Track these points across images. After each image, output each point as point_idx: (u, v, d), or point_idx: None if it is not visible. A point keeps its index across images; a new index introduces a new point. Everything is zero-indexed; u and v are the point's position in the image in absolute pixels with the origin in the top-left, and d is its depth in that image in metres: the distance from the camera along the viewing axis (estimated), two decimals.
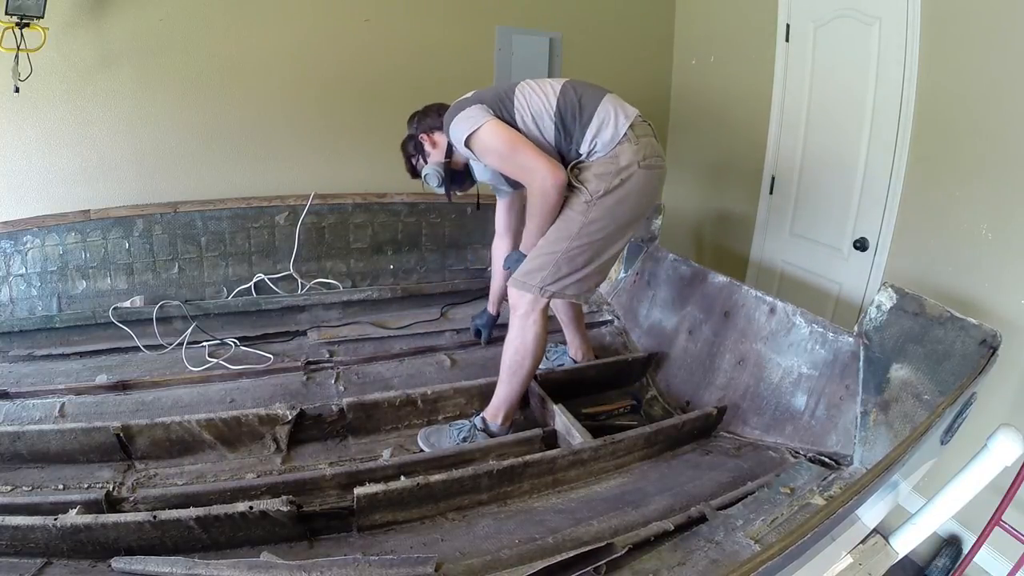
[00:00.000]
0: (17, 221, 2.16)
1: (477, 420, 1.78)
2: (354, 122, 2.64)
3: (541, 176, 1.61)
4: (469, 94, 1.76)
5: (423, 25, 2.66)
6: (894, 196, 2.19)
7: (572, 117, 1.65)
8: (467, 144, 1.67)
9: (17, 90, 1.96)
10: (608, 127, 1.64)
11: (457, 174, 1.91)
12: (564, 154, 1.70)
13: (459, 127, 1.66)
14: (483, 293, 2.71)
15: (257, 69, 2.43)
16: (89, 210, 2.23)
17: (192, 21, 2.30)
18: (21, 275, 2.19)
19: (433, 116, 1.90)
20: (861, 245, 2.34)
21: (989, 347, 1.35)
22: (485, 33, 2.81)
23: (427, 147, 1.90)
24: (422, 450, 1.75)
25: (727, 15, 2.93)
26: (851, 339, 1.63)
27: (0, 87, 1.99)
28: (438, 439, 1.76)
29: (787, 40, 2.60)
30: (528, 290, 1.70)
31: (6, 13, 1.87)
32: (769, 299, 1.91)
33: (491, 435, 1.74)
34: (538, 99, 1.68)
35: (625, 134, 1.63)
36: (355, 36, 2.56)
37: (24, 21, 1.91)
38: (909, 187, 2.14)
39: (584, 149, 1.66)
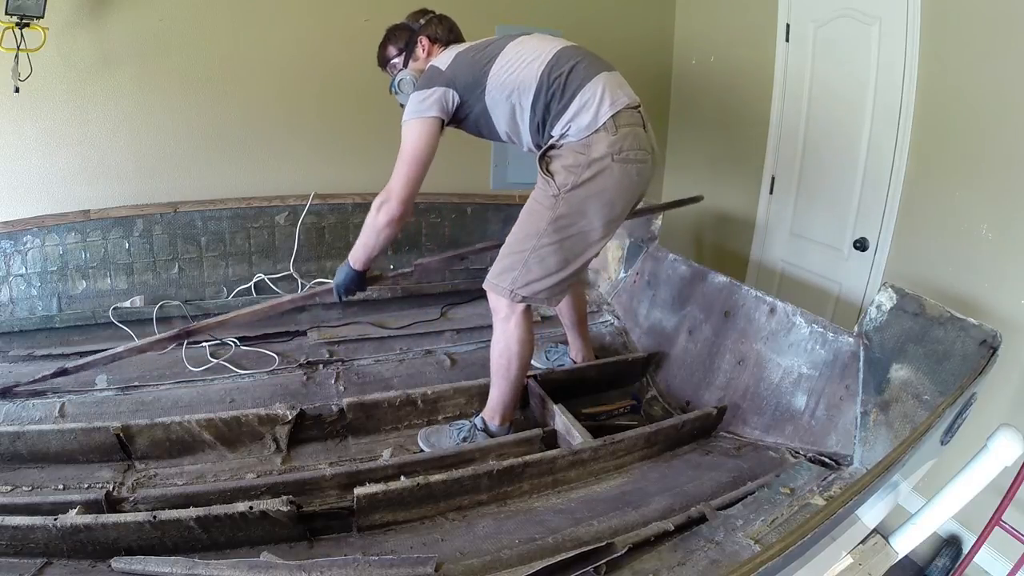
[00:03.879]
0: (17, 221, 2.16)
1: (477, 420, 1.78)
2: (354, 122, 2.64)
3: (391, 199, 1.64)
4: (449, 60, 1.64)
5: None
6: (894, 196, 2.19)
7: (552, 95, 1.53)
8: (403, 119, 1.64)
9: (17, 90, 1.96)
10: (587, 112, 1.50)
11: None
12: (535, 135, 1.62)
13: (413, 102, 1.61)
14: (483, 293, 2.71)
15: (257, 69, 2.43)
16: (89, 210, 2.23)
17: (192, 21, 2.30)
18: (21, 275, 2.19)
19: (445, 29, 1.79)
20: (861, 245, 2.33)
21: (989, 347, 1.35)
22: (485, 33, 2.76)
23: (419, 51, 1.77)
24: (422, 450, 1.75)
25: (727, 15, 2.93)
26: (851, 339, 1.63)
27: (0, 87, 1.99)
28: (438, 439, 1.76)
29: (787, 40, 2.60)
30: (501, 293, 1.63)
31: (6, 13, 1.87)
32: (769, 299, 1.91)
33: (491, 435, 1.74)
34: (519, 72, 1.57)
35: (604, 123, 1.50)
36: (355, 36, 2.56)
37: (24, 21, 1.91)
38: (909, 187, 2.14)
39: (556, 131, 1.55)
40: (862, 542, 1.40)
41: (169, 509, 1.25)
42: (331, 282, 1.85)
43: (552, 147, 1.58)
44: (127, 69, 2.25)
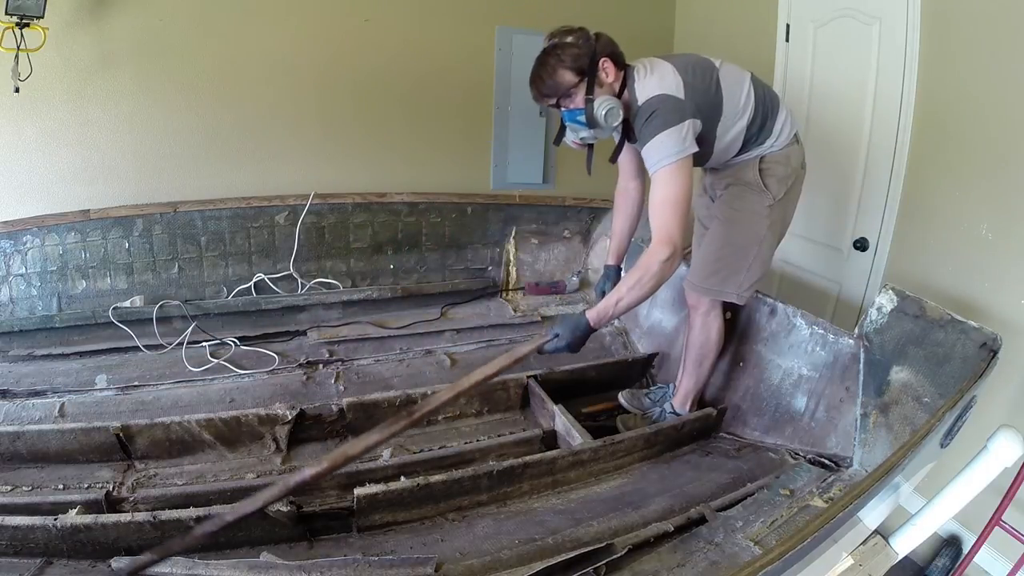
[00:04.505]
0: (17, 221, 2.16)
1: (667, 406, 1.92)
2: (354, 122, 2.64)
3: (676, 250, 1.46)
4: (675, 85, 1.51)
5: (423, 25, 2.66)
6: (894, 196, 2.19)
7: (766, 113, 1.66)
8: (656, 162, 1.49)
9: (17, 90, 1.96)
10: (787, 125, 1.68)
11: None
12: (736, 153, 1.69)
13: (670, 141, 1.47)
14: (483, 293, 2.72)
15: (257, 69, 2.43)
16: (89, 210, 2.23)
17: (192, 21, 2.29)
18: (21, 275, 2.18)
19: (610, 43, 1.59)
20: (861, 245, 2.33)
21: (990, 350, 1.35)
22: (485, 33, 2.80)
23: (603, 76, 1.55)
24: (623, 408, 1.94)
25: (727, 15, 2.93)
26: (851, 341, 1.63)
27: (0, 87, 1.99)
28: (639, 402, 1.97)
29: (787, 40, 2.60)
30: (722, 297, 1.76)
31: (6, 13, 1.87)
32: (769, 300, 1.91)
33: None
34: (742, 96, 1.62)
35: (795, 134, 1.71)
36: (355, 36, 2.56)
37: (24, 21, 1.90)
38: (909, 187, 2.14)
39: (768, 144, 1.68)
40: (863, 543, 1.40)
41: (169, 509, 1.26)
42: (548, 337, 1.55)
43: (762, 159, 1.69)
44: (127, 69, 2.24)
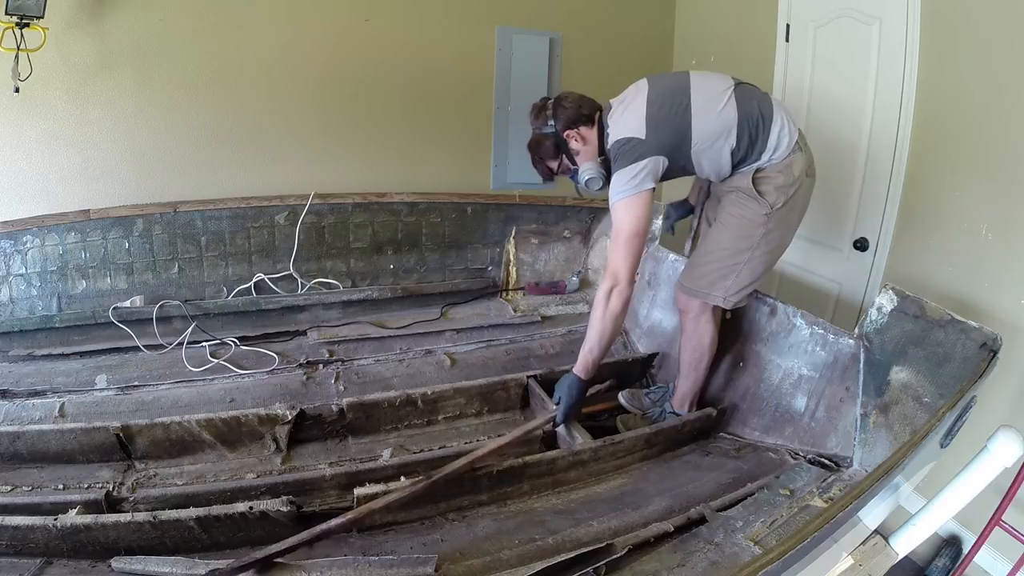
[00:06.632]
0: (17, 221, 2.16)
1: (667, 406, 1.94)
2: (354, 122, 2.64)
3: (621, 282, 1.62)
4: (639, 124, 1.61)
5: (423, 25, 2.66)
6: (894, 196, 2.19)
7: (756, 128, 1.63)
8: (611, 196, 1.64)
9: (17, 90, 1.96)
10: (785, 135, 1.65)
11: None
12: (733, 166, 1.69)
13: (622, 179, 1.61)
14: (483, 293, 2.72)
15: (257, 69, 2.43)
16: (89, 210, 2.23)
17: (192, 21, 2.29)
18: (21, 275, 2.18)
19: (574, 109, 1.73)
20: (861, 245, 2.33)
21: (990, 350, 1.35)
22: (485, 33, 2.80)
23: (574, 145, 1.74)
24: (623, 408, 1.95)
25: (727, 15, 2.93)
26: (851, 341, 1.63)
27: (0, 87, 1.99)
28: (640, 402, 1.97)
29: (787, 40, 2.60)
30: (709, 300, 1.76)
31: (6, 13, 1.87)
32: (770, 300, 1.91)
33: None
34: (719, 117, 1.63)
35: (796, 142, 1.66)
36: (355, 36, 2.56)
37: (24, 21, 1.90)
38: (909, 187, 2.14)
39: (765, 159, 1.65)
40: (863, 543, 1.40)
41: (169, 509, 1.26)
42: (552, 408, 1.73)
43: (759, 170, 1.68)
44: (127, 69, 2.24)
